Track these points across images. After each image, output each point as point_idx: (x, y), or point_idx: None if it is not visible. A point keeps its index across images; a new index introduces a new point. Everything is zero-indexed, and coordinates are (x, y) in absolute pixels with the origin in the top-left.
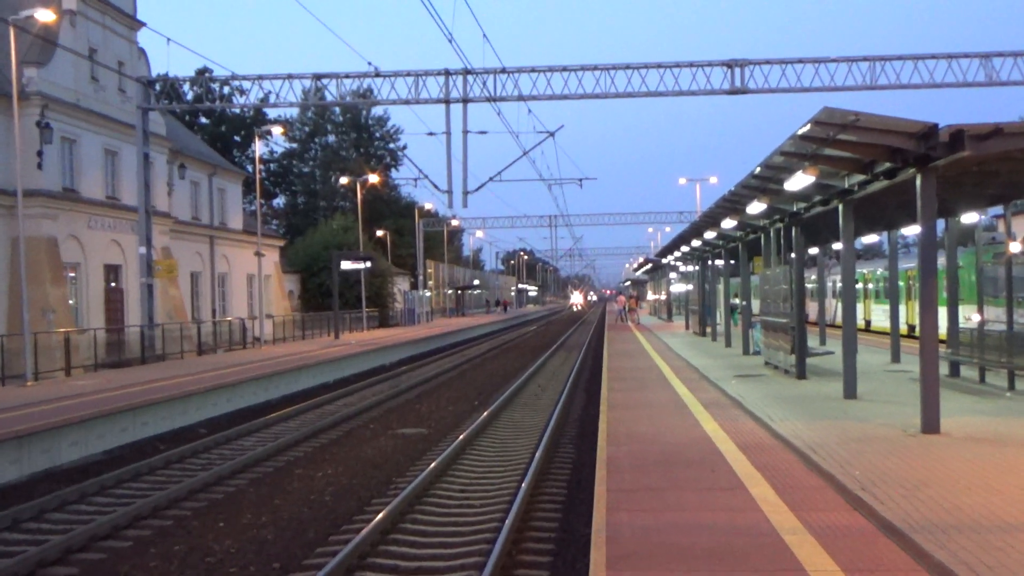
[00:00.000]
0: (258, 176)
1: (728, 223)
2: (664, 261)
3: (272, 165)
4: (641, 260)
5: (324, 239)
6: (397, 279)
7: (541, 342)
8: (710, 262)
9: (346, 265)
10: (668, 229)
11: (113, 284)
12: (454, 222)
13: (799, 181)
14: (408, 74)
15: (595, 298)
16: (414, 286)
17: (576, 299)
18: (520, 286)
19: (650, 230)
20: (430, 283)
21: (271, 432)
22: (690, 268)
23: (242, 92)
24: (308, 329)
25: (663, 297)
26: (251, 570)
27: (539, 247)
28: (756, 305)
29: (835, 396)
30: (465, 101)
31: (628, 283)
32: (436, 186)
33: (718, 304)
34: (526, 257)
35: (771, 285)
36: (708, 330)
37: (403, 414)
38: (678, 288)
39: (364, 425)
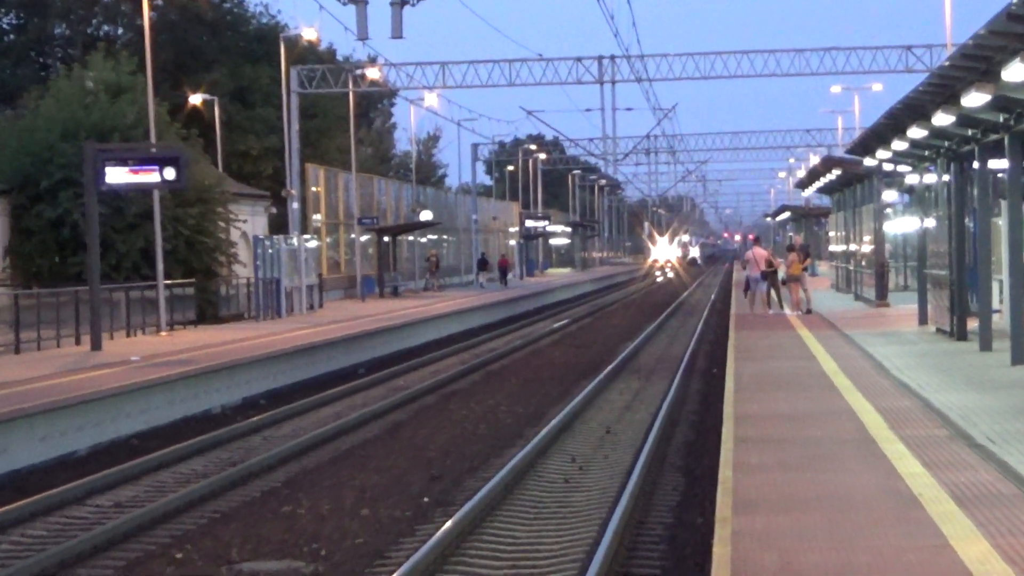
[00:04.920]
0: None
1: None
2: (869, 163)
3: None
4: (815, 163)
5: (66, 116)
6: (240, 209)
7: (579, 358)
8: (975, 164)
9: (118, 176)
10: (878, 88)
11: None
12: (372, 74)
13: None
14: None
15: (696, 255)
16: (280, 226)
17: (664, 252)
18: (531, 224)
19: (835, 89)
20: (318, 218)
21: None
22: (928, 179)
23: None
24: (30, 329)
25: (866, 249)
26: None
27: (575, 134)
28: None
29: None
30: None
31: (784, 217)
32: None
33: (1000, 263)
34: (544, 157)
35: None
36: (972, 325)
37: (255, 523)
38: (900, 226)
39: (163, 550)
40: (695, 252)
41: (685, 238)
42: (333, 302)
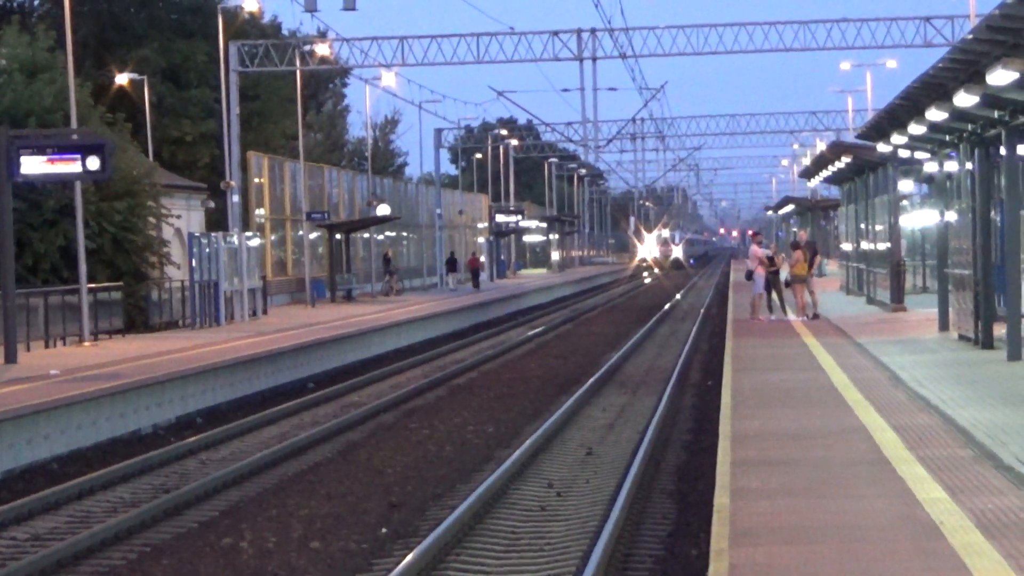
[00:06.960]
0: None
1: None
2: (883, 149)
3: None
4: (822, 149)
5: None
6: (173, 203)
7: (557, 370)
8: (1003, 150)
9: (34, 166)
10: (893, 65)
11: None
12: (322, 50)
13: None
14: None
15: (680, 254)
16: (219, 222)
17: (651, 250)
18: (502, 219)
19: (845, 66)
20: (262, 213)
21: None
22: (949, 167)
23: None
24: None
25: (880, 245)
26: None
27: (551, 117)
28: None
29: None
30: None
31: (788, 211)
32: None
33: None
34: (517, 144)
35: None
36: (1000, 332)
37: (191, 558)
38: (918, 220)
39: None
40: (679, 251)
41: (665, 233)
42: (279, 308)
